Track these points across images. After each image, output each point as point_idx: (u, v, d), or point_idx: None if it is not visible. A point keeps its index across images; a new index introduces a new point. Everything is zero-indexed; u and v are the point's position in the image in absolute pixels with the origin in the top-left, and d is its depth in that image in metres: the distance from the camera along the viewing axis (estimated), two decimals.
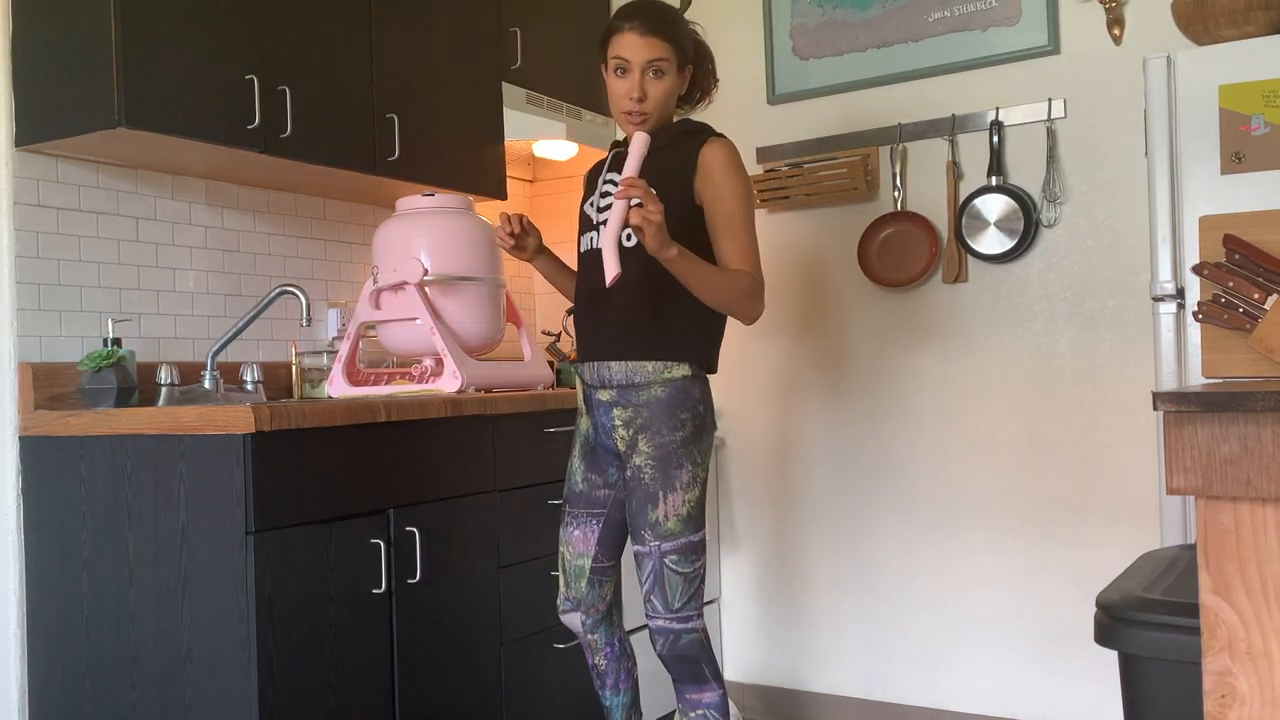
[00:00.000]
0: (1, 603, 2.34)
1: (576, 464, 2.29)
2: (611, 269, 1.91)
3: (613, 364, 2.15)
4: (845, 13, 3.23)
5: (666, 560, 2.10)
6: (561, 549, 2.30)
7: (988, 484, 3.05)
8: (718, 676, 2.17)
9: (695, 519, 2.12)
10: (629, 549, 2.91)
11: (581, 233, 2.26)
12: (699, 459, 2.13)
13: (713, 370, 2.21)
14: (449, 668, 2.43)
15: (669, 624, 2.11)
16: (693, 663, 2.13)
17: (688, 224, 2.12)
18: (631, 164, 2.01)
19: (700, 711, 2.16)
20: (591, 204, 2.25)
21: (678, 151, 2.15)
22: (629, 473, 2.14)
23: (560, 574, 2.31)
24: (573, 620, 2.31)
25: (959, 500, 3.09)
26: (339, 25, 2.67)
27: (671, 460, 2.09)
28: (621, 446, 2.16)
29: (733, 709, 3.21)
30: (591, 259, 2.21)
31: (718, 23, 3.46)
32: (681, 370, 2.12)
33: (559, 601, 2.32)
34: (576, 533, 2.27)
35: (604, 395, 2.18)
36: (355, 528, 2.22)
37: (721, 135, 2.18)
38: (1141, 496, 2.84)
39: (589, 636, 2.31)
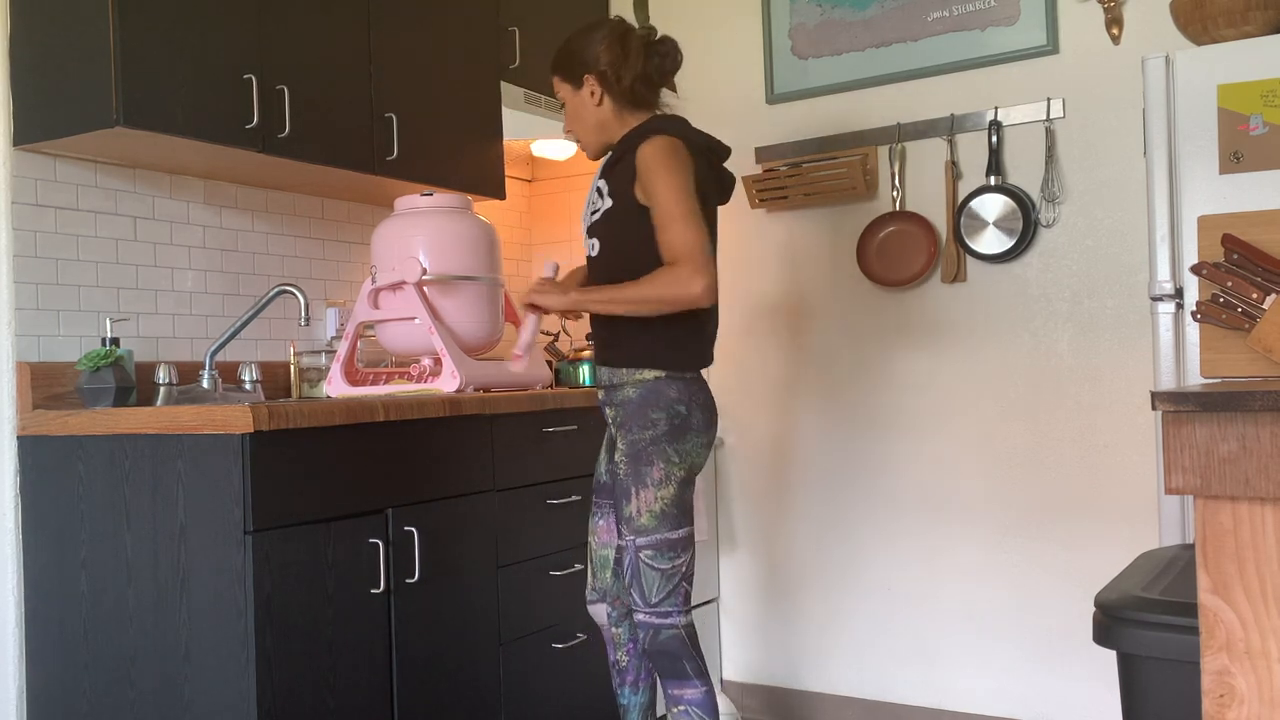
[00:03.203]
0: (0, 603, 2.33)
1: (602, 456, 2.36)
2: (519, 365, 2.27)
3: (600, 366, 2.25)
4: (844, 12, 3.23)
5: (641, 555, 2.13)
6: (589, 539, 2.36)
7: (986, 483, 3.06)
8: (701, 674, 2.16)
9: (672, 517, 2.13)
10: None
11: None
12: (675, 458, 2.14)
13: (696, 365, 2.20)
14: (447, 667, 2.43)
15: (648, 618, 2.14)
16: (673, 658, 2.14)
17: (636, 226, 2.14)
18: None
19: (682, 708, 2.15)
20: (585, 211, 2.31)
21: (624, 160, 2.18)
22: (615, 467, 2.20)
23: (588, 564, 2.35)
24: (598, 611, 2.34)
25: (958, 500, 3.10)
26: (337, 24, 2.67)
27: (642, 457, 2.13)
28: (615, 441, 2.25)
29: (731, 708, 3.21)
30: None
31: (717, 22, 3.46)
32: (651, 373, 2.16)
33: (586, 592, 2.36)
34: (601, 523, 2.33)
35: (601, 394, 2.28)
36: (354, 527, 2.21)
37: (660, 133, 2.12)
38: (1140, 496, 2.84)
39: (613, 630, 2.33)
